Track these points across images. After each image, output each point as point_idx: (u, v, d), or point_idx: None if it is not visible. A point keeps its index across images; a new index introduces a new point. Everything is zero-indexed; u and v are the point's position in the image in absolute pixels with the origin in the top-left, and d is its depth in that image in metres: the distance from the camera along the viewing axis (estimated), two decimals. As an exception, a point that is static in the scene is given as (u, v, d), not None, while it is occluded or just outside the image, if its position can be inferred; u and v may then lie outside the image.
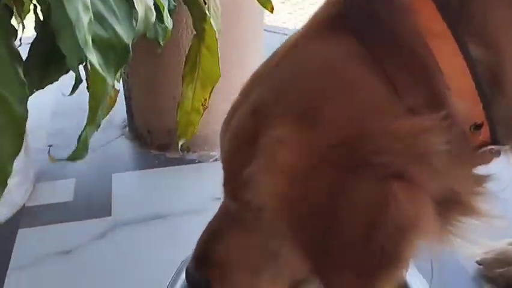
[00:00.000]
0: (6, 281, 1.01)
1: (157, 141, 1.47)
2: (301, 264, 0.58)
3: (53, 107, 1.78)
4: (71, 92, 1.04)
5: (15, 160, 1.17)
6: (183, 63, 1.17)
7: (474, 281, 1.00)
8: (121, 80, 1.45)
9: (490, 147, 0.58)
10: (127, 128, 1.58)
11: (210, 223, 0.68)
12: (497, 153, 0.61)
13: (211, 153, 1.44)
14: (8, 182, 0.67)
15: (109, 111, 1.29)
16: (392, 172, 0.49)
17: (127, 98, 1.49)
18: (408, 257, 0.51)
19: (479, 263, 1.02)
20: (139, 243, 1.13)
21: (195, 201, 1.22)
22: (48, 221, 1.19)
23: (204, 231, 0.68)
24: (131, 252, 1.10)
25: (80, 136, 0.74)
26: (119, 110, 1.59)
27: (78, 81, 0.97)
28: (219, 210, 0.67)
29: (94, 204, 1.25)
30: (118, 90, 1.29)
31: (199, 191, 1.27)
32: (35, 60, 1.01)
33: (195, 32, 1.13)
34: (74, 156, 0.74)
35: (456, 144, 0.55)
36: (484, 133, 0.57)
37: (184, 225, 1.16)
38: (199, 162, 1.42)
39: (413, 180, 0.50)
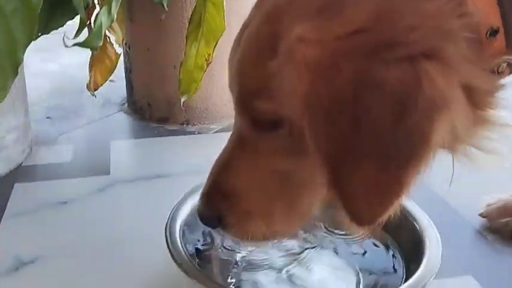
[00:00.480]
0: (-1, 228, 0.98)
1: (157, 114, 1.46)
2: (318, 182, 0.57)
3: (51, 85, 1.77)
4: (75, 35, 1.05)
5: (15, 116, 1.16)
6: (185, 30, 1.18)
7: (478, 234, 0.99)
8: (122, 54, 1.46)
9: (504, 57, 0.58)
10: (126, 105, 1.58)
11: (220, 155, 0.67)
12: (509, 68, 0.61)
13: (211, 126, 1.43)
14: (15, 73, 0.65)
15: (110, 75, 1.30)
16: (424, 50, 0.49)
17: (127, 71, 1.49)
18: (436, 142, 0.51)
19: (482, 215, 1.01)
20: (138, 198, 1.11)
21: (196, 163, 1.21)
22: (45, 177, 1.17)
23: (214, 165, 0.67)
24: (130, 206, 1.08)
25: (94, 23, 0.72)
26: (119, 88, 1.61)
27: (83, 24, 0.97)
28: (229, 141, 0.66)
29: (92, 164, 1.23)
30: (119, 55, 1.29)
31: (200, 156, 1.25)
32: (42, 4, 1.01)
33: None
34: (87, 43, 0.73)
35: (473, 47, 0.55)
36: (500, 41, 0.57)
37: (185, 184, 1.14)
38: (199, 133, 1.41)
39: (445, 59, 0.50)
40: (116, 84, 1.66)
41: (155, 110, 1.46)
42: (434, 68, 0.49)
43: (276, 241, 0.80)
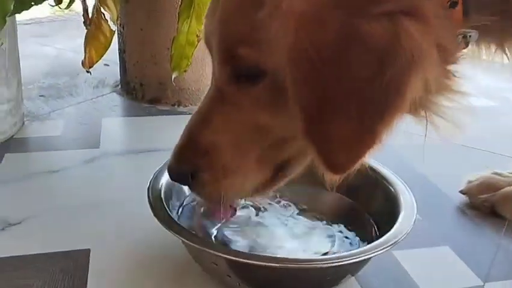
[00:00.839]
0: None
1: (149, 94, 1.48)
2: (296, 136, 0.58)
3: (47, 67, 1.79)
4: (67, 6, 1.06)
5: (7, 88, 1.18)
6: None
7: (458, 210, 1.01)
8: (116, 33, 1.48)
9: (463, 30, 0.61)
10: (120, 86, 1.59)
11: (197, 109, 0.67)
12: (464, 41, 0.63)
13: (202, 108, 1.45)
14: (3, 21, 0.66)
15: (105, 52, 1.31)
16: (404, 7, 0.51)
17: (121, 52, 1.51)
18: (410, 96, 0.53)
19: (463, 192, 1.03)
20: (125, 170, 1.13)
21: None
22: (35, 149, 1.18)
23: (190, 119, 0.67)
24: (117, 176, 1.10)
25: None
26: (114, 72, 1.62)
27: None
28: (207, 95, 0.67)
29: (82, 138, 1.25)
30: (114, 32, 1.31)
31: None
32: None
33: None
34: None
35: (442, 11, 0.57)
36: (458, 12, 0.60)
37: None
38: (190, 114, 1.42)
39: (423, 17, 0.52)
40: (111, 68, 1.69)
41: (147, 90, 1.48)
42: (412, 24, 0.51)
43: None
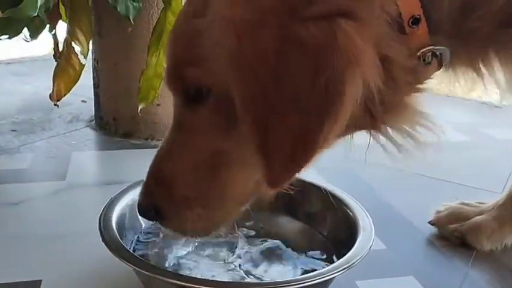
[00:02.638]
0: None
1: (122, 128, 1.47)
2: (252, 159, 0.56)
3: (22, 102, 1.78)
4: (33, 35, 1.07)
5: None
6: (150, 41, 1.20)
7: (426, 240, 1.00)
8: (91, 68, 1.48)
9: (428, 47, 0.61)
10: (94, 121, 1.59)
11: (159, 148, 0.66)
12: (437, 60, 0.63)
13: (175, 141, 1.44)
14: None
15: (73, 85, 1.32)
16: (341, 9, 0.52)
17: (95, 86, 1.51)
18: (351, 97, 0.52)
19: (431, 222, 1.02)
20: (92, 202, 1.09)
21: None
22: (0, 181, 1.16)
23: (156, 152, 0.66)
24: (82, 208, 1.07)
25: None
26: (89, 108, 1.62)
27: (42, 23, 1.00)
28: (168, 132, 0.66)
29: (49, 171, 1.23)
30: (83, 65, 1.31)
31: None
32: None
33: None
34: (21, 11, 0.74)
35: (394, 25, 0.58)
36: (422, 29, 0.60)
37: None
38: (163, 148, 1.42)
39: (360, 19, 0.52)
40: (88, 104, 1.69)
41: (120, 124, 1.47)
42: (349, 25, 0.51)
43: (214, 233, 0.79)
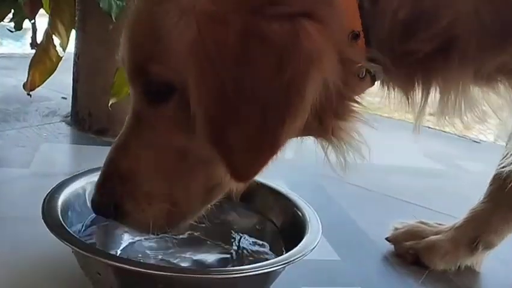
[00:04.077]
0: None
1: (96, 125, 1.47)
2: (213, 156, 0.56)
3: (1, 94, 1.78)
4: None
5: None
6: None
7: (381, 256, 0.99)
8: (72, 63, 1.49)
9: (363, 64, 0.61)
10: (70, 117, 1.58)
11: (118, 137, 0.65)
12: (370, 77, 0.63)
13: (147, 143, 1.43)
14: None
15: (48, 76, 1.32)
16: (304, 10, 0.52)
17: (74, 81, 1.51)
18: (311, 96, 0.53)
19: (388, 239, 1.01)
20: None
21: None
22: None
23: (111, 148, 0.65)
24: (40, 197, 1.05)
25: None
26: (67, 105, 1.62)
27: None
28: (126, 120, 0.65)
29: (15, 159, 1.22)
30: (61, 57, 1.32)
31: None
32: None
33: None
34: None
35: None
36: (361, 45, 0.60)
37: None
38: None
39: (322, 20, 0.53)
40: (67, 101, 1.68)
41: (95, 121, 1.47)
42: (311, 25, 0.52)
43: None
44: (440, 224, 1.01)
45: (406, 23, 0.59)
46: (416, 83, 0.66)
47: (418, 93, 0.67)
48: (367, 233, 1.07)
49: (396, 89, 0.68)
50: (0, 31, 3.06)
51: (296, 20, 0.52)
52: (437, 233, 0.98)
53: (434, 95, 0.67)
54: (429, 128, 2.11)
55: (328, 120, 0.61)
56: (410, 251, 0.97)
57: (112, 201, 0.63)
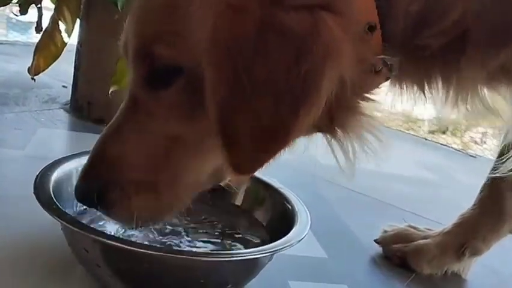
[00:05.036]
0: None
1: (95, 113, 1.47)
2: (211, 145, 0.56)
3: (2, 78, 1.78)
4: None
5: None
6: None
7: (369, 257, 0.99)
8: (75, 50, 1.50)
9: (380, 56, 0.61)
10: (69, 104, 1.59)
11: (107, 128, 0.63)
12: (386, 70, 0.63)
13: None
14: None
15: (53, 62, 1.32)
16: (321, 2, 0.53)
17: (76, 69, 1.52)
18: (327, 88, 0.52)
19: (377, 241, 1.01)
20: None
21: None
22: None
23: (102, 132, 0.63)
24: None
25: None
26: (68, 93, 1.62)
27: None
28: (122, 104, 0.63)
29: (10, 140, 1.22)
30: (66, 43, 1.33)
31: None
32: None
33: None
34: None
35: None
36: (377, 38, 0.60)
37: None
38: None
39: (342, 13, 0.53)
40: (68, 90, 1.69)
41: (93, 109, 1.47)
42: (331, 18, 0.52)
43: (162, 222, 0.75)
44: (429, 229, 1.02)
45: (419, 16, 0.59)
46: (427, 82, 0.66)
47: (437, 87, 0.66)
48: (356, 234, 1.07)
49: (411, 86, 0.67)
50: (7, 24, 3.11)
51: (315, 12, 0.52)
52: (425, 238, 0.98)
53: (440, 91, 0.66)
54: (426, 139, 2.14)
55: (340, 116, 0.61)
56: (397, 254, 0.97)
57: (95, 189, 0.60)
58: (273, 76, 0.51)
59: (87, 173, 0.62)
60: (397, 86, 0.68)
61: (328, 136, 0.65)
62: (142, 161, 0.60)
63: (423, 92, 0.67)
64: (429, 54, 0.61)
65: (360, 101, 0.63)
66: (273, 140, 0.53)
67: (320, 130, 0.64)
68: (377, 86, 0.65)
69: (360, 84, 0.60)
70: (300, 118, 0.52)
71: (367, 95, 0.63)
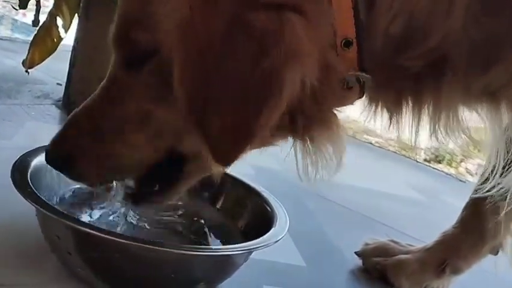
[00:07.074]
0: None
1: (86, 111, 1.47)
2: (177, 124, 0.59)
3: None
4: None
5: None
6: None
7: (349, 270, 0.98)
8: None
9: (356, 72, 0.61)
10: (61, 101, 1.58)
11: (85, 102, 0.66)
12: (359, 87, 0.63)
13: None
14: None
15: (48, 56, 1.33)
16: (292, 3, 0.53)
17: (71, 66, 1.52)
18: (289, 89, 0.53)
19: (357, 253, 1.01)
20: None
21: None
22: None
23: (75, 110, 0.66)
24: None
25: None
26: (61, 91, 1.63)
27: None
28: (98, 88, 0.66)
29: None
30: (62, 38, 1.33)
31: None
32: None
33: None
34: None
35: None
36: (352, 53, 0.60)
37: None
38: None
39: (310, 17, 0.54)
40: (62, 87, 1.69)
41: (85, 107, 1.47)
42: (298, 19, 0.53)
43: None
44: (410, 245, 1.01)
45: (398, 38, 0.59)
46: (405, 103, 0.65)
47: (407, 114, 0.66)
48: (338, 246, 1.07)
49: (383, 109, 0.67)
50: (12, 26, 3.13)
51: (283, 12, 0.52)
52: (406, 253, 0.98)
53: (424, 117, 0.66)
54: (417, 161, 2.14)
55: (300, 121, 0.61)
56: (377, 267, 0.96)
57: (66, 153, 0.64)
58: (238, 72, 0.52)
59: (60, 138, 0.66)
60: (373, 105, 0.68)
61: (297, 142, 0.66)
62: (113, 134, 0.63)
63: (391, 118, 0.67)
64: (408, 75, 0.61)
65: (329, 114, 0.63)
66: (238, 136, 0.55)
67: (282, 131, 0.64)
68: (350, 103, 0.66)
69: (330, 97, 0.61)
70: (262, 117, 0.53)
71: (338, 109, 0.64)
